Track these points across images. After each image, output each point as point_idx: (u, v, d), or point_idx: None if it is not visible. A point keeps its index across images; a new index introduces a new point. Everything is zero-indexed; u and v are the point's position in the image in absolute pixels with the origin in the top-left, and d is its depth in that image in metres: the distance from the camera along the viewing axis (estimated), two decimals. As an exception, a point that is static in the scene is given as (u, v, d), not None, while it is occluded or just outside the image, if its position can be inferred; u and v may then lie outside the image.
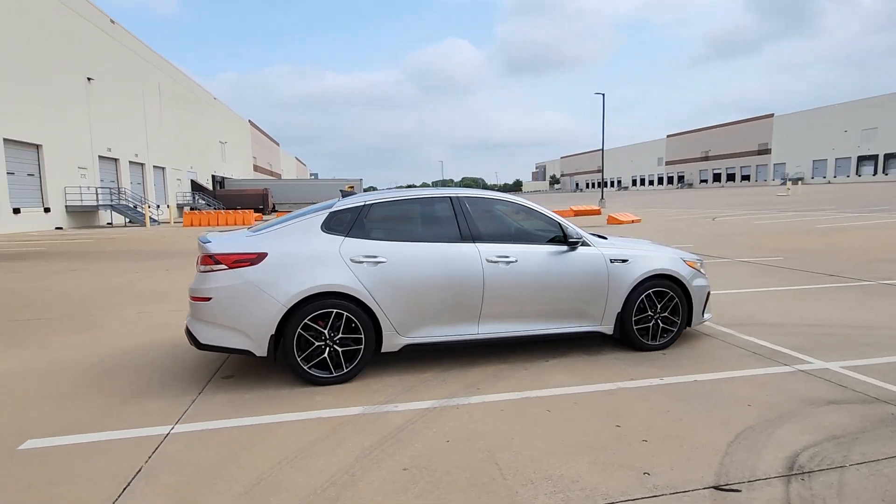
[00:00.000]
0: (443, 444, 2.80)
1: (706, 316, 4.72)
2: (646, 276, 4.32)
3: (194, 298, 3.59)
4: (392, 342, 3.82)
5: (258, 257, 3.59)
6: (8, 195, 21.54)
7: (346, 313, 3.67)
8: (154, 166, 36.72)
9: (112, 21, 30.98)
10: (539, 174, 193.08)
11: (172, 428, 3.03)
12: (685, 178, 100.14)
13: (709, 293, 4.75)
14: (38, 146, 23.74)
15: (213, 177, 51.10)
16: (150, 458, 2.69)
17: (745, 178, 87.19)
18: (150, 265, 10.98)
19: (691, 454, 2.65)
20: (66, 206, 25.54)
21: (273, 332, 3.55)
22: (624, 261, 4.31)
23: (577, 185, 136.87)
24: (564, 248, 4.19)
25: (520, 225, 4.34)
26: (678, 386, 3.61)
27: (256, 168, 71.06)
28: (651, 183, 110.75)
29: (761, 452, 2.65)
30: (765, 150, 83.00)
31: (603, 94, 40.57)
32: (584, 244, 4.28)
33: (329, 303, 3.65)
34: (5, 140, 21.47)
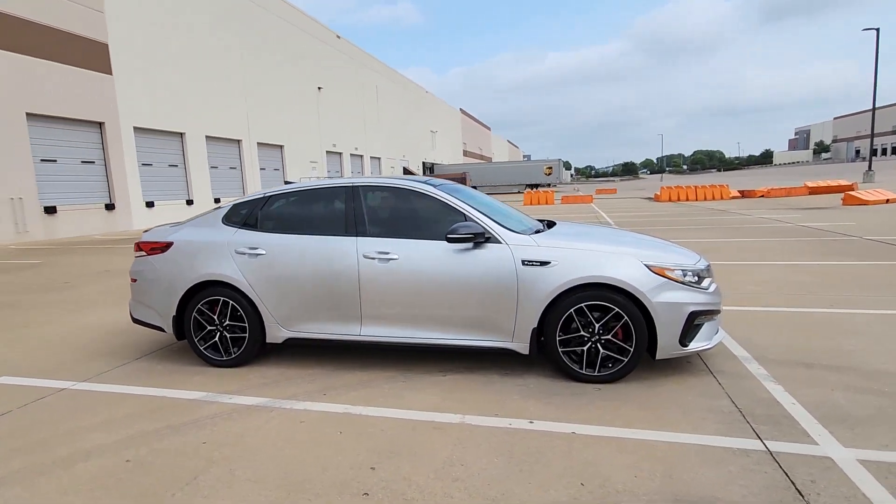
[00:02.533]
0: (195, 442, 2.77)
1: (697, 344, 3.35)
2: (574, 285, 3.29)
3: (130, 279, 4.25)
4: (275, 333, 3.85)
5: (166, 246, 4.04)
6: (260, 185, 28.15)
7: (231, 302, 3.86)
8: (371, 157, 42.80)
9: (338, 37, 36.93)
10: (800, 141, 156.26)
11: (74, 384, 3.72)
12: None
13: (706, 312, 3.35)
14: (281, 146, 30.25)
15: (424, 163, 56.70)
16: (27, 404, 3.39)
17: None
18: None
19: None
20: (300, 193, 32.03)
21: (174, 314, 3.97)
22: (543, 263, 3.36)
23: (857, 151, 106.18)
24: (464, 244, 3.50)
25: (418, 217, 3.78)
26: (545, 437, 2.72)
27: (466, 153, 75.97)
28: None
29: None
30: None
31: (877, 30, 30.36)
32: (493, 240, 3.49)
33: (217, 291, 3.88)
34: (259, 143, 28.00)
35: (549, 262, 3.37)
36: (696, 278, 3.43)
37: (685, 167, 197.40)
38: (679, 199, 25.40)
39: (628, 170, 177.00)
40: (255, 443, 2.76)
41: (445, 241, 3.50)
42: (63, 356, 4.38)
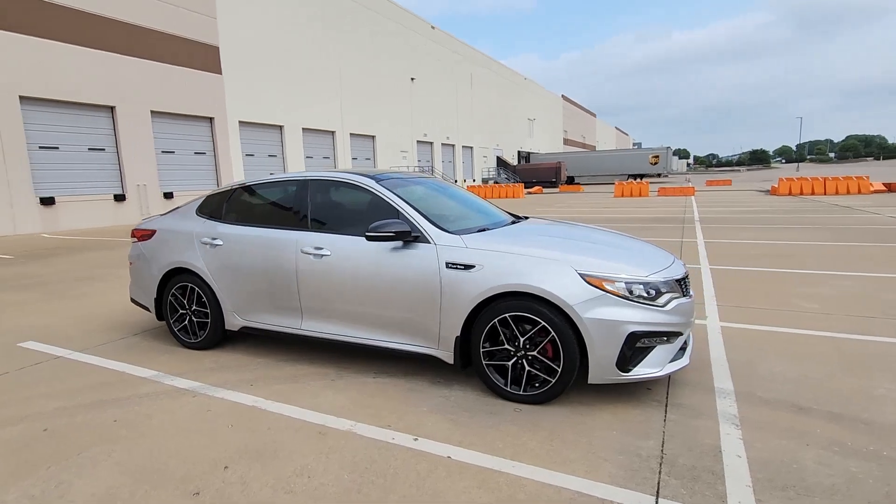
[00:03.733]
0: (109, 419, 2.97)
1: (643, 371, 2.87)
2: (498, 293, 2.98)
3: (129, 263, 4.68)
4: (231, 321, 4.00)
5: (151, 234, 4.37)
6: (351, 174, 29.73)
7: (197, 289, 4.08)
8: (463, 146, 42.98)
9: (432, 27, 37.38)
10: None
11: (70, 353, 4.21)
12: None
13: (656, 334, 2.85)
14: (372, 137, 31.56)
15: (519, 152, 55.67)
16: (23, 367, 3.90)
17: None
18: None
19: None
20: (390, 182, 33.25)
21: (155, 296, 4.31)
22: (467, 266, 3.08)
23: None
24: (393, 243, 3.32)
25: (355, 212, 3.65)
26: (414, 458, 2.52)
27: (567, 141, 73.13)
28: None
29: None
30: None
31: None
32: (422, 239, 3.27)
33: (185, 278, 4.14)
34: (351, 134, 29.49)
35: (473, 266, 3.07)
36: (650, 293, 2.90)
37: (832, 155, 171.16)
38: (801, 193, 22.05)
39: (757, 158, 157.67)
40: (155, 425, 2.89)
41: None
42: (89, 327, 4.97)
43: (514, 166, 49.09)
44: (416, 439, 2.66)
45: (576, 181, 52.15)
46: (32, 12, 14.93)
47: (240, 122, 22.21)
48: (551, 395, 2.94)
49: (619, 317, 2.80)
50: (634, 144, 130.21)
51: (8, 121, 14.54)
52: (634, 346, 2.83)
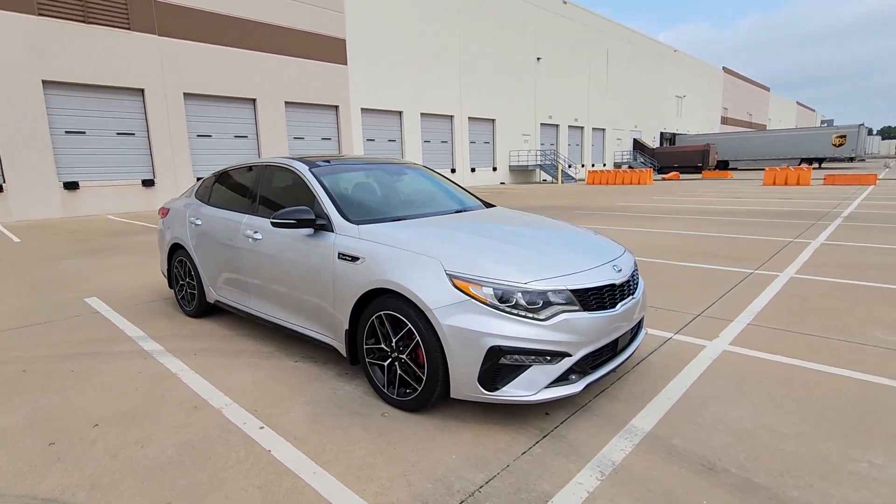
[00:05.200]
0: (67, 370, 3.51)
1: (511, 392, 2.50)
2: (372, 288, 2.82)
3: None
4: (209, 295, 4.40)
5: (167, 212, 4.97)
6: (468, 158, 29.97)
7: (187, 263, 4.56)
8: (593, 128, 40.43)
9: (564, 1, 35.43)
10: None
11: (107, 311, 5.03)
12: None
13: (527, 352, 2.46)
14: (492, 120, 31.35)
15: (662, 134, 50.56)
16: (66, 318, 4.77)
17: None
18: None
19: None
20: (509, 166, 32.79)
21: (167, 267, 4.92)
22: (353, 258, 2.96)
23: None
24: (306, 230, 3.31)
25: (288, 197, 3.68)
26: (230, 440, 2.56)
27: (726, 120, 64.25)
28: None
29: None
30: None
31: None
32: (327, 227, 3.20)
33: (181, 252, 4.64)
34: (470, 118, 29.66)
35: (358, 259, 2.93)
36: (529, 303, 2.47)
37: None
38: None
39: None
40: (92, 380, 3.34)
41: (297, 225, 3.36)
42: (140, 291, 5.89)
43: (654, 149, 44.73)
44: (261, 427, 2.67)
45: (731, 166, 45.81)
46: (190, 20, 17.70)
47: (361, 108, 23.81)
48: (419, 403, 2.70)
49: (480, 327, 2.44)
50: (824, 122, 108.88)
51: (176, 114, 17.61)
52: (498, 363, 2.45)
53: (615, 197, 18.45)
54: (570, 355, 2.50)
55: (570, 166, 35.83)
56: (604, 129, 41.87)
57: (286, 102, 20.75)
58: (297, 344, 3.89)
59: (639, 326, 3.23)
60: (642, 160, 44.27)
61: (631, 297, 2.90)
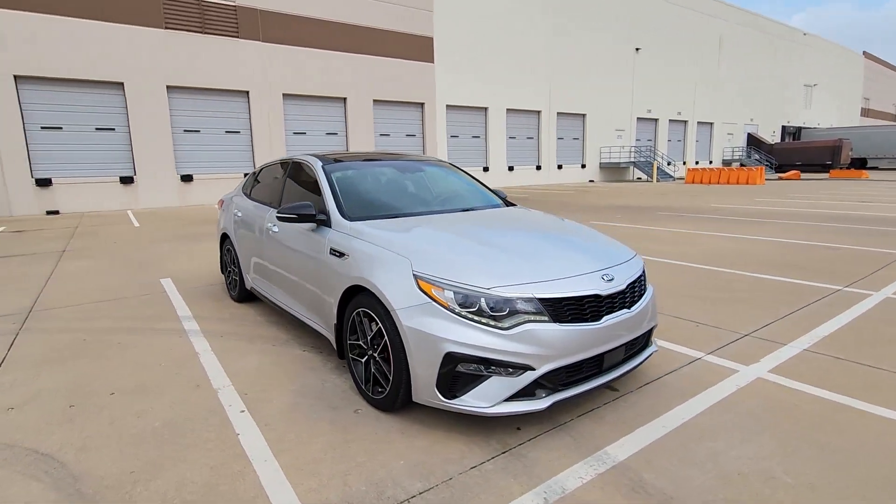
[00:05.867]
0: (113, 342, 3.97)
1: (469, 402, 2.41)
2: (351, 284, 2.85)
3: (219, 227, 5.86)
4: (247, 282, 4.71)
5: (222, 203, 5.41)
6: (555, 155, 29.07)
7: (233, 251, 4.93)
8: (698, 122, 37.16)
9: (670, -14, 32.85)
10: None
11: (171, 290, 5.61)
12: None
13: (485, 361, 2.35)
14: (582, 115, 30.07)
15: (784, 128, 45.12)
16: (133, 297, 5.41)
17: None
18: (594, 216, 13.12)
19: None
20: (599, 163, 31.27)
21: (220, 254, 5.37)
22: (341, 254, 3.01)
23: None
24: (309, 224, 3.42)
25: (303, 192, 3.81)
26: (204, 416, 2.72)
27: (867, 112, 55.69)
28: None
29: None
30: None
31: None
32: (326, 223, 3.29)
33: (228, 241, 5.03)
34: (558, 113, 28.72)
35: (344, 255, 2.97)
36: (492, 309, 2.33)
37: None
38: None
39: None
40: (128, 353, 3.73)
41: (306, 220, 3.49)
42: (207, 274, 6.49)
43: (772, 145, 40.07)
44: (242, 411, 2.81)
45: (870, 165, 39.67)
46: (289, 26, 19.05)
47: (447, 105, 24.09)
48: (388, 403, 2.67)
49: (438, 331, 2.35)
50: None
51: (275, 113, 19.14)
52: (455, 370, 2.34)
53: (712, 197, 16.82)
54: (534, 369, 2.31)
55: (669, 163, 33.29)
56: (711, 124, 38.31)
57: (374, 100, 21.61)
58: (312, 334, 4.05)
59: (645, 342, 2.91)
60: (757, 157, 39.89)
61: (625, 310, 2.62)
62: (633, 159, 31.25)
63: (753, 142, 41.67)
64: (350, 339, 2.96)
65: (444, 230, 3.02)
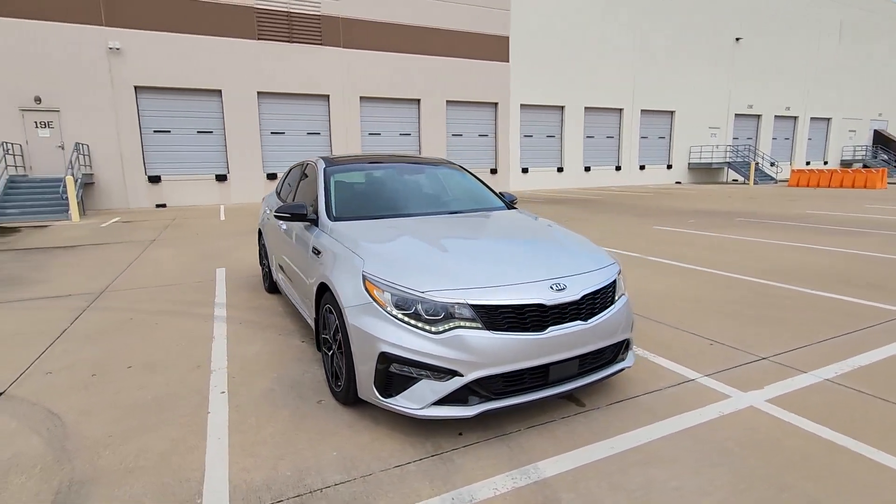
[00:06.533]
0: (152, 323, 4.49)
1: (400, 403, 2.47)
2: (321, 282, 3.01)
3: (264, 222, 6.33)
4: (274, 276, 5.08)
5: (263, 200, 5.86)
6: (637, 154, 27.52)
7: (265, 245, 5.35)
8: (812, 118, 33.21)
9: (780, -32, 29.65)
10: None
11: (218, 279, 6.19)
12: None
13: (415, 364, 2.41)
14: (671, 112, 28.13)
15: (923, 124, 38.83)
16: (186, 283, 6.04)
17: None
18: (662, 220, 12.54)
19: None
20: (688, 164, 29.10)
21: (258, 248, 5.83)
22: (318, 252, 3.19)
23: None
24: (303, 222, 3.65)
25: (309, 191, 4.02)
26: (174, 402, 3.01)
27: None
28: None
29: None
30: None
31: None
32: (315, 222, 3.48)
33: (261, 238, 5.45)
34: (643, 111, 27.15)
35: (320, 253, 3.13)
36: (427, 313, 2.36)
37: None
38: None
39: None
40: (157, 333, 4.20)
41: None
42: (258, 266, 7.03)
43: (904, 144, 34.78)
44: (223, 392, 3.08)
45: None
46: (367, 31, 19.90)
47: (521, 104, 23.79)
48: (346, 397, 2.78)
49: (375, 331, 2.42)
50: None
51: (352, 116, 20.15)
52: (388, 371, 2.39)
53: (809, 202, 15.02)
54: (462, 375, 2.30)
55: (772, 164, 30.15)
56: (828, 119, 34.06)
57: (447, 101, 21.93)
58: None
59: (615, 356, 2.76)
60: (885, 157, 34.85)
61: (579, 321, 2.50)
62: (727, 159, 28.72)
63: (881, 140, 36.42)
64: (323, 334, 3.12)
65: (409, 233, 3.08)
